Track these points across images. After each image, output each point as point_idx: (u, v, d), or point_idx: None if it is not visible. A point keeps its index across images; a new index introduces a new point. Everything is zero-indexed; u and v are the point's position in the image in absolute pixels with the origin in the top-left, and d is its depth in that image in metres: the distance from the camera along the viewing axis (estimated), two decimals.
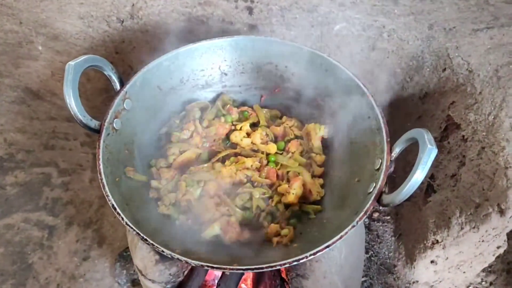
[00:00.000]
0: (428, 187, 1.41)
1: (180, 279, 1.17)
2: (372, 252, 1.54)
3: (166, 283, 1.15)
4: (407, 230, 1.51)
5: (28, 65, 1.62)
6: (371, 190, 0.94)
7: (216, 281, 1.32)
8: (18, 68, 1.65)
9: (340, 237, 0.86)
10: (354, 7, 1.41)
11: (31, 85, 1.69)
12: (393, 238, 1.55)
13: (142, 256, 1.12)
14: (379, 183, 0.93)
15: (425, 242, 1.34)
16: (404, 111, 1.56)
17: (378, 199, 0.91)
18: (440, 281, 1.39)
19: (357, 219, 0.88)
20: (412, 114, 1.54)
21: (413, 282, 1.44)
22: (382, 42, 1.45)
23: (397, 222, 1.59)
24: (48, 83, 1.67)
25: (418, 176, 0.82)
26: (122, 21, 1.48)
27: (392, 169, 0.96)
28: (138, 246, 1.12)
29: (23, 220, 1.61)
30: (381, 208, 1.63)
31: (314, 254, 0.85)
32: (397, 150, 0.96)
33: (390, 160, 0.96)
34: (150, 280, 1.15)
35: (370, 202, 0.90)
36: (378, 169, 0.97)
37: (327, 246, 0.85)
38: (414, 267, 1.42)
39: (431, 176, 1.40)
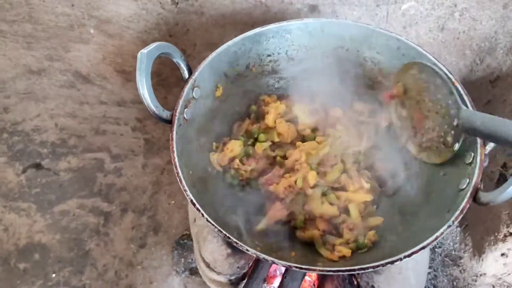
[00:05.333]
0: (500, 177, 1.34)
1: (245, 270, 1.15)
2: (436, 243, 1.47)
3: (231, 275, 1.13)
4: (474, 220, 1.44)
5: (79, 48, 1.59)
6: (464, 186, 0.87)
7: (278, 272, 1.29)
8: (68, 52, 1.61)
9: (436, 238, 0.81)
10: None
11: (81, 69, 1.66)
12: (458, 228, 1.49)
13: (212, 249, 1.09)
14: (474, 179, 0.86)
15: (496, 234, 1.28)
16: (471, 96, 1.47)
17: (474, 197, 0.85)
18: (508, 274, 1.33)
19: (453, 218, 0.82)
20: (481, 98, 1.45)
21: (480, 275, 1.38)
22: (453, 22, 1.36)
23: None
24: (99, 67, 1.63)
25: None
26: (177, 3, 1.42)
27: (486, 163, 0.89)
28: (208, 239, 1.09)
29: (78, 206, 1.61)
30: None
31: (409, 256, 0.79)
32: (492, 143, 0.89)
33: (485, 154, 0.89)
34: (216, 272, 1.13)
35: (465, 200, 0.83)
36: (470, 164, 0.90)
37: (423, 247, 0.80)
38: (482, 260, 1.36)
39: (503, 165, 1.32)
